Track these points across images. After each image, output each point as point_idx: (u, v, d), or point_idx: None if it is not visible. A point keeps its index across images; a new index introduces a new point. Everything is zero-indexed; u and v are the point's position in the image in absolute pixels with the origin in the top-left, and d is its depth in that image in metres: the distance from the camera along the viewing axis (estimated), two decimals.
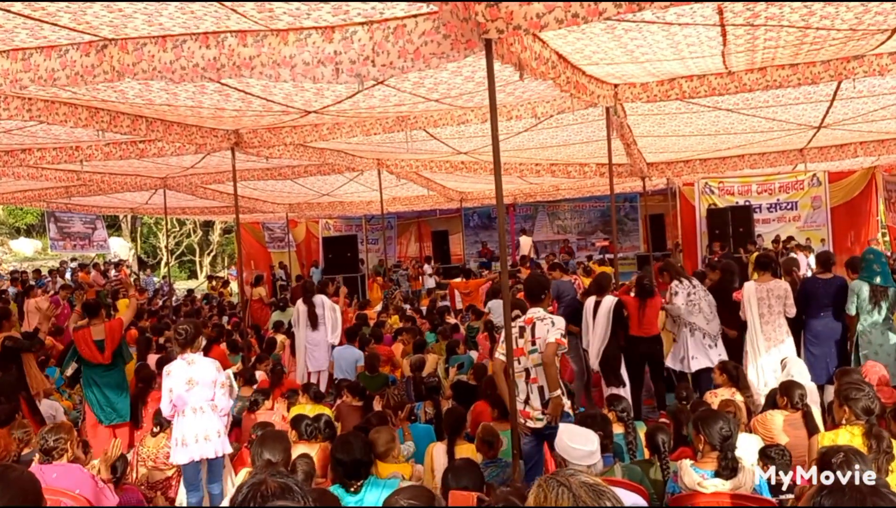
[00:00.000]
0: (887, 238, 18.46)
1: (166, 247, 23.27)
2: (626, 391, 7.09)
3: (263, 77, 4.55)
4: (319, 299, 9.26)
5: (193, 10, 4.12)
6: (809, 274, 9.48)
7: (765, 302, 7.00)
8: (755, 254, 14.06)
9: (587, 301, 7.58)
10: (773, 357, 6.84)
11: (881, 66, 6.33)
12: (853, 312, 6.98)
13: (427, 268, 19.54)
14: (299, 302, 9.31)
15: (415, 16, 4.18)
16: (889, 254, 15.36)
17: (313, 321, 9.06)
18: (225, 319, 13.68)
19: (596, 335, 7.34)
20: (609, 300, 7.38)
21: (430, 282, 18.81)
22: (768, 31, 5.25)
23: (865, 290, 6.94)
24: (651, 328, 7.42)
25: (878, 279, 6.94)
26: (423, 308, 13.85)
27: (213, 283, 21.60)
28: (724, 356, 7.21)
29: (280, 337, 10.56)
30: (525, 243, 21.89)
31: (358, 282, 19.31)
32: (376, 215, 24.29)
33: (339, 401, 6.91)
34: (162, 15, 4.21)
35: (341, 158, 10.98)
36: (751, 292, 7.08)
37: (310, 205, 18.91)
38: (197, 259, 36.54)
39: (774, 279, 7.11)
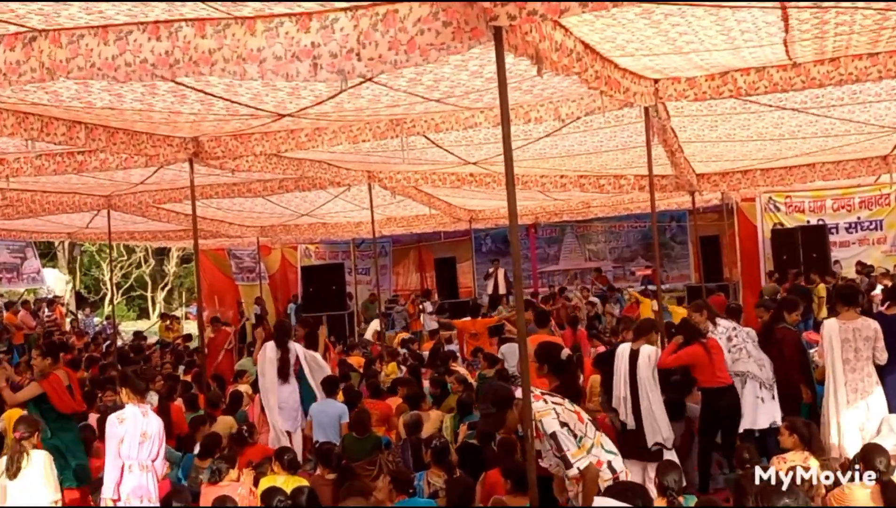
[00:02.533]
0: None
1: (111, 280, 23.33)
2: (672, 454, 7.02)
3: (226, 75, 4.58)
4: (295, 345, 9.24)
5: None
6: None
7: (850, 345, 6.97)
8: (821, 285, 14.06)
9: (619, 350, 7.50)
10: (860, 413, 6.79)
11: None
12: None
13: (428, 305, 19.50)
14: (269, 345, 9.26)
15: None
16: None
17: (283, 372, 9.03)
18: (182, 368, 13.63)
19: (643, 402, 7.17)
20: (648, 351, 7.28)
21: (432, 321, 18.74)
22: (840, 14, 5.27)
23: None
24: (724, 372, 7.41)
25: None
26: (425, 353, 13.78)
27: (168, 322, 21.60)
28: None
29: (244, 387, 10.52)
30: (499, 276, 21.56)
31: (345, 321, 19.27)
32: (367, 240, 24.21)
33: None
34: (102, 0, 4.25)
35: (323, 170, 11.01)
36: (833, 333, 7.05)
37: (286, 228, 18.94)
38: (149, 295, 36.61)
39: (862, 317, 7.08)
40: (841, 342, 7.01)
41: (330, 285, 19.08)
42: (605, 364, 7.91)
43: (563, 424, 4.82)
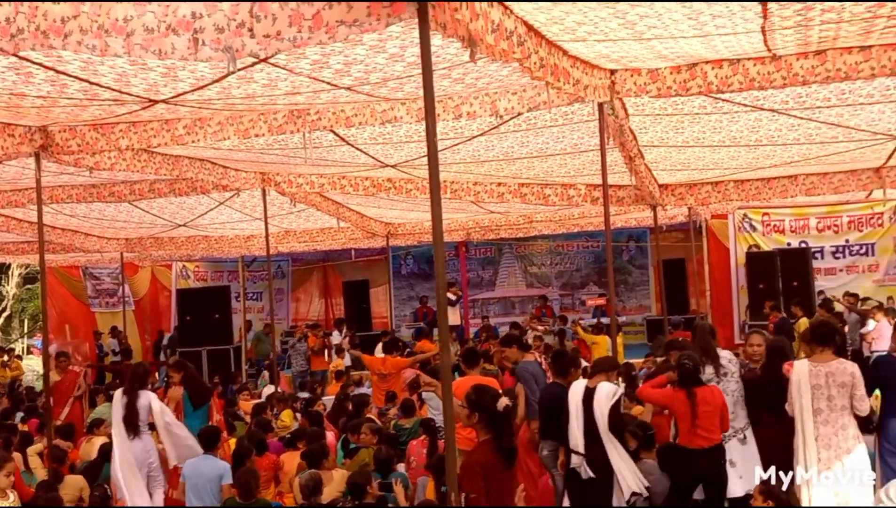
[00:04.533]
0: None
1: None
2: None
3: (84, 49, 4.49)
4: (149, 395, 9.23)
5: None
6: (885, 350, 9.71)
7: (822, 392, 7.05)
8: (804, 319, 14.44)
9: (572, 388, 7.59)
10: (835, 475, 6.91)
11: None
12: None
13: (335, 336, 19.41)
14: (118, 393, 9.25)
15: None
16: None
17: (131, 424, 9.04)
18: (19, 416, 13.27)
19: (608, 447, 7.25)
20: (608, 389, 7.38)
21: (344, 358, 18.67)
22: (827, 0, 5.44)
23: None
24: (712, 432, 7.42)
25: None
26: (329, 399, 13.68)
27: (5, 358, 21.00)
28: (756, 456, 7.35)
29: (100, 439, 10.32)
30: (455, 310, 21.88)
31: (230, 357, 19.04)
32: (260, 258, 24.07)
33: None
34: None
35: (206, 170, 10.90)
36: (802, 377, 7.10)
37: (158, 241, 18.70)
38: None
39: (838, 360, 7.21)
40: (811, 389, 7.06)
41: (212, 313, 18.82)
42: (547, 408, 7.97)
43: None
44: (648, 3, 5.30)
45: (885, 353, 8.27)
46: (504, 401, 6.21)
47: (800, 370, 7.15)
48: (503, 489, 5.84)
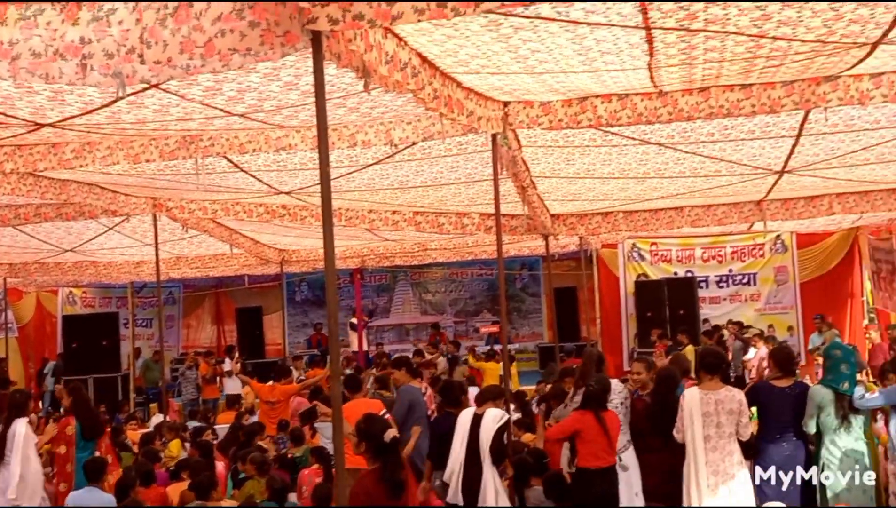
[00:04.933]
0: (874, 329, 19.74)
1: None
2: None
3: None
4: (20, 425, 9.04)
5: None
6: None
7: (712, 420, 7.24)
8: (690, 347, 14.80)
9: (462, 416, 7.63)
10: (721, 501, 7.09)
11: (861, 91, 6.91)
12: (812, 430, 7.43)
13: (227, 364, 19.14)
14: None
15: None
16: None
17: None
18: None
19: (485, 474, 7.32)
20: (495, 414, 7.45)
21: (233, 385, 18.39)
22: (710, 39, 5.62)
23: (829, 399, 7.40)
24: (611, 454, 7.58)
25: (845, 386, 7.42)
26: (222, 427, 13.45)
27: None
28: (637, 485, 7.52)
29: None
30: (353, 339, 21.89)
31: (118, 384, 18.65)
32: (150, 284, 23.58)
33: None
34: None
35: (95, 195, 10.66)
36: (694, 405, 7.30)
37: (43, 267, 18.24)
38: None
39: (726, 388, 7.41)
40: (702, 417, 7.26)
41: (99, 340, 18.44)
42: (440, 438, 7.99)
43: None
44: (539, 39, 5.41)
45: (762, 381, 8.52)
46: (391, 433, 6.23)
47: (691, 398, 7.34)
48: None
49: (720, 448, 7.21)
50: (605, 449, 7.50)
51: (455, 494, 7.36)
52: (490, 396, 7.80)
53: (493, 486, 7.26)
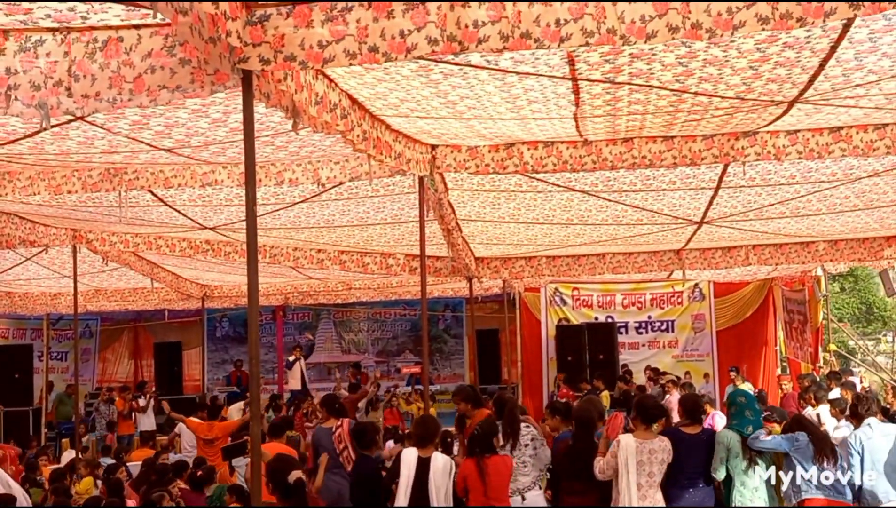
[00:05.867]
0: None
1: None
2: None
3: None
4: None
5: None
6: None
7: (644, 469, 7.29)
8: (605, 393, 14.91)
9: (404, 455, 7.45)
10: None
11: (777, 147, 7.14)
12: (722, 475, 7.54)
13: (142, 401, 18.75)
14: None
15: (137, 27, 4.14)
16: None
17: None
18: None
19: None
20: (443, 461, 7.33)
21: (148, 421, 18.01)
22: (634, 92, 5.76)
23: (737, 441, 7.53)
24: (501, 501, 7.43)
25: (749, 430, 7.58)
26: (134, 466, 13.13)
27: None
28: None
29: None
30: (295, 373, 21.62)
31: (30, 420, 18.15)
32: (67, 316, 23.06)
33: None
34: None
35: (13, 225, 10.44)
36: (630, 453, 7.29)
37: None
38: None
39: (659, 437, 7.47)
40: (637, 465, 7.29)
41: (12, 373, 17.95)
42: (362, 480, 7.91)
43: None
44: (469, 85, 5.47)
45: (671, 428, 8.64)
46: (296, 474, 6.25)
47: (627, 446, 7.31)
48: None
49: (649, 496, 7.27)
50: (486, 495, 7.30)
51: None
52: (433, 435, 7.60)
53: None
